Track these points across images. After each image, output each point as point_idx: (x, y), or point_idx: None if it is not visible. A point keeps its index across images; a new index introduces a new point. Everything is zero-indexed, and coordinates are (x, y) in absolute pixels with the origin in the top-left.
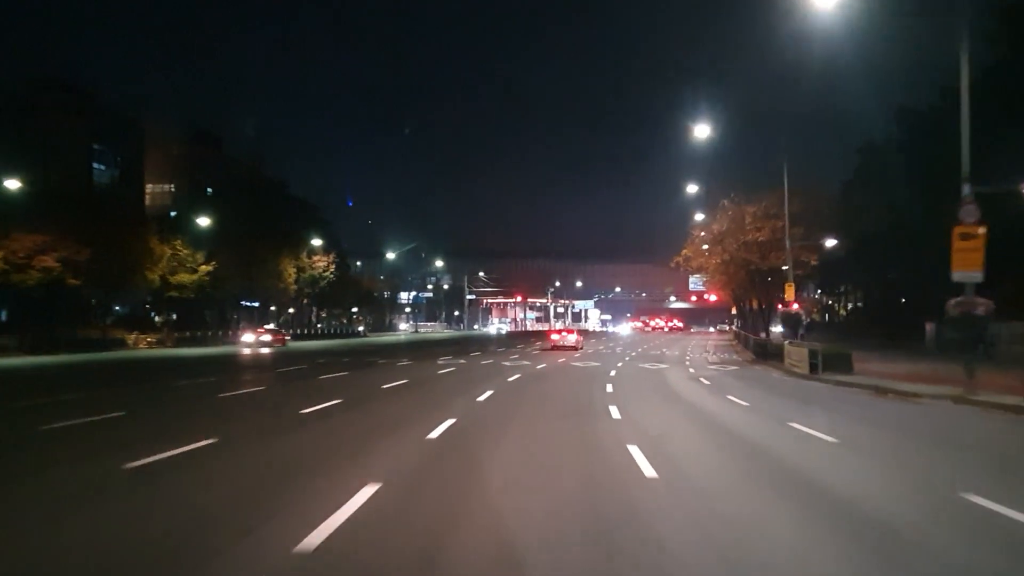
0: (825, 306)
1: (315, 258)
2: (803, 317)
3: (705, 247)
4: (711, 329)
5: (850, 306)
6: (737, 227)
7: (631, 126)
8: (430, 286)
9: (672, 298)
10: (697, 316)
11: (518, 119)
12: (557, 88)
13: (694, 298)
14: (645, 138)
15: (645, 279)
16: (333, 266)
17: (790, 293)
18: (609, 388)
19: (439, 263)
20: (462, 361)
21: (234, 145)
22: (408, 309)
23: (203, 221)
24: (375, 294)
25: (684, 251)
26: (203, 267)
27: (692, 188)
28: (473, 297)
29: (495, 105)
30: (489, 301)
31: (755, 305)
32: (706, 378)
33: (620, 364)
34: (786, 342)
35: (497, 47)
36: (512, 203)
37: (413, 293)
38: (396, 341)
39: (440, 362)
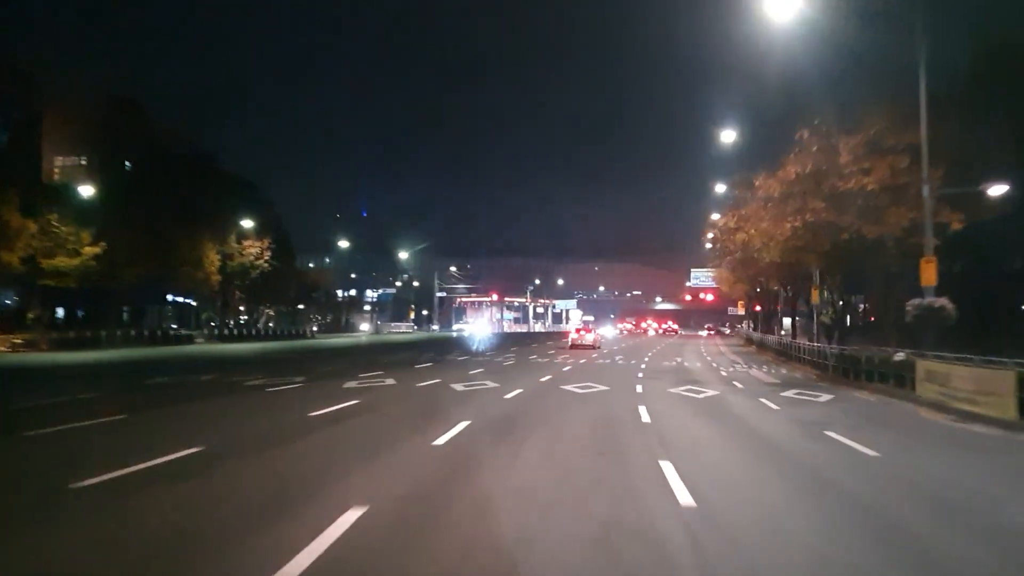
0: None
1: (246, 243)
2: (951, 312)
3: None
4: (703, 333)
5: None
6: (830, 169)
7: (620, 115)
8: (399, 283)
9: (658, 299)
10: (684, 318)
11: (493, 109)
12: (537, 72)
13: (688, 297)
14: (636, 130)
15: (629, 279)
16: (268, 253)
17: (929, 273)
18: (679, 490)
19: (403, 255)
20: (389, 382)
21: (172, 118)
22: (368, 307)
23: (86, 190)
24: (324, 289)
25: (722, 221)
26: (88, 249)
27: (728, 136)
28: (444, 295)
29: (468, 93)
30: (463, 300)
31: (816, 297)
32: (837, 432)
33: (639, 388)
34: (897, 355)
35: (479, 34)
36: (490, 199)
37: (380, 290)
38: (339, 345)
39: (349, 385)
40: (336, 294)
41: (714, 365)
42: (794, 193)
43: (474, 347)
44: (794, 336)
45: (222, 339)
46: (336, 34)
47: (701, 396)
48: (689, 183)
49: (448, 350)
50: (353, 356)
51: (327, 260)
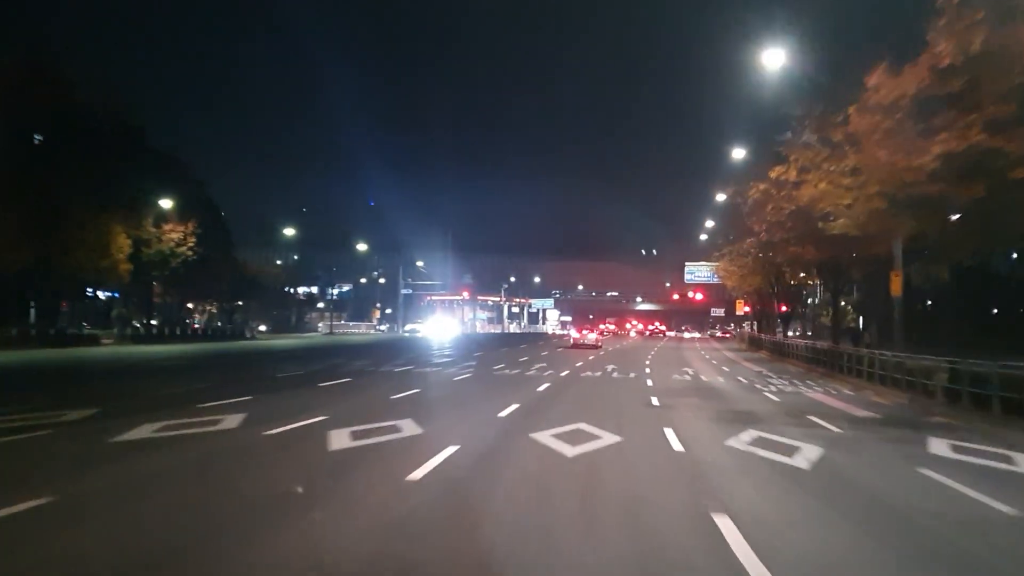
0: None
1: (166, 227)
2: None
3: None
4: (692, 335)
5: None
6: (1015, 48)
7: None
8: (364, 280)
9: (639, 299)
10: (665, 319)
11: (460, 93)
12: (508, 54)
13: (676, 296)
14: (625, 121)
15: (608, 278)
16: (192, 239)
17: None
18: None
19: (361, 246)
20: (226, 424)
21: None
22: (321, 305)
23: None
24: (268, 285)
25: (775, 172)
26: None
27: (775, 58)
28: (409, 292)
29: (434, 78)
30: (433, 298)
31: (898, 287)
32: None
33: (673, 439)
34: None
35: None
36: (464, 193)
37: (339, 287)
38: (263, 348)
39: (134, 435)
40: (287, 290)
41: (742, 380)
42: (955, 94)
43: (429, 353)
44: (835, 340)
45: (137, 340)
46: (304, 28)
47: (801, 462)
48: (682, 175)
49: (392, 357)
50: (260, 365)
51: (295, 257)
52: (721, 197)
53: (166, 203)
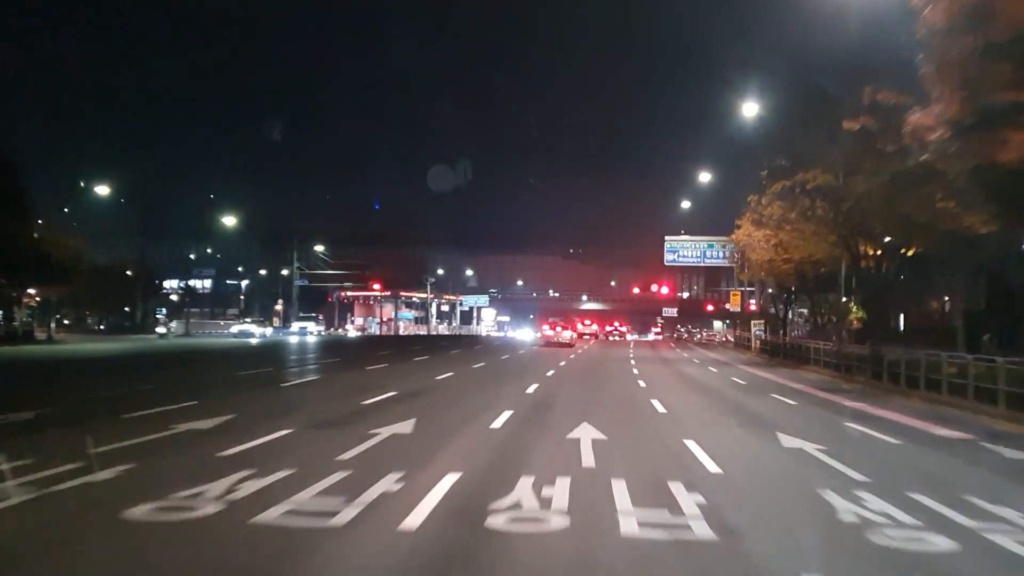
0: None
1: None
2: None
3: None
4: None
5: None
6: None
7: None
8: (263, 271)
9: (584, 297)
10: (612, 319)
11: (387, 71)
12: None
13: (637, 290)
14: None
15: (550, 274)
16: None
17: None
18: None
19: (230, 220)
20: None
21: None
22: (174, 297)
23: None
24: (61, 262)
25: None
26: None
27: None
28: (304, 283)
29: (357, 49)
30: (348, 294)
31: None
32: None
33: None
34: None
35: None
36: (387, 178)
37: (202, 275)
38: None
39: None
40: (157, 282)
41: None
42: None
43: (250, 369)
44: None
45: None
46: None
47: None
48: (645, 151)
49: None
50: None
51: (212, 252)
52: (751, 112)
53: None
